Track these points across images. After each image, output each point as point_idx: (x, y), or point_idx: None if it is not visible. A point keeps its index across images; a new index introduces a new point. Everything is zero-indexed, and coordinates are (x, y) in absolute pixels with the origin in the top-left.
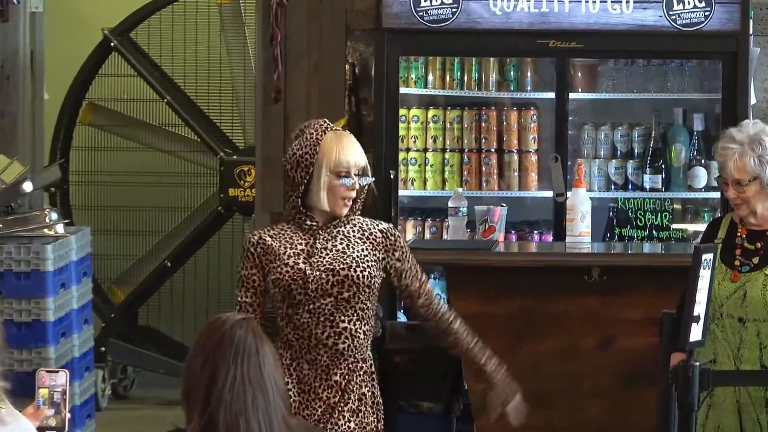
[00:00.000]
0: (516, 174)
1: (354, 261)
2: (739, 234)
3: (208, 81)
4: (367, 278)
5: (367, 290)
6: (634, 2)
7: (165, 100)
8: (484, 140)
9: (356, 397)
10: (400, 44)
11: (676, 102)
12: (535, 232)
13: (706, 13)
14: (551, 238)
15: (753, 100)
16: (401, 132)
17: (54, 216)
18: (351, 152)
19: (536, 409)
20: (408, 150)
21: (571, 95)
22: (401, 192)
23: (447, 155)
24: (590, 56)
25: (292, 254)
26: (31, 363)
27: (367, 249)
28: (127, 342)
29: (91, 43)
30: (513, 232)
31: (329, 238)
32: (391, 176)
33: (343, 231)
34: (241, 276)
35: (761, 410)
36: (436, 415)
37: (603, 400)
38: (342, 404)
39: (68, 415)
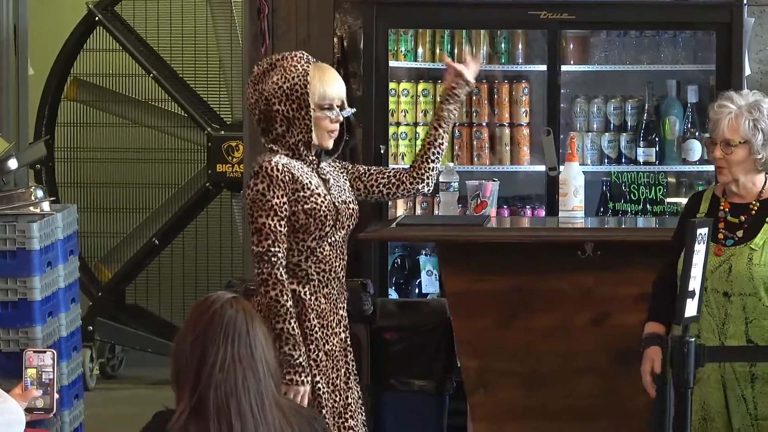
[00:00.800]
0: (508, 148)
1: (351, 194)
2: (722, 208)
3: (195, 55)
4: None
5: (356, 221)
6: None
7: (151, 75)
8: (475, 114)
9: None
10: (389, 17)
11: (670, 74)
12: (528, 207)
13: None
14: (544, 213)
15: (747, 71)
16: (391, 106)
17: (39, 193)
18: (335, 84)
19: (529, 388)
20: (398, 124)
21: (563, 67)
22: (391, 166)
23: None
24: (582, 28)
25: (316, 185)
26: (17, 343)
27: (345, 182)
28: (115, 321)
29: (75, 17)
30: (505, 207)
31: (325, 173)
32: (381, 151)
33: (325, 168)
34: (273, 204)
35: (746, 385)
36: (428, 393)
37: (597, 378)
38: (348, 340)
39: (57, 396)
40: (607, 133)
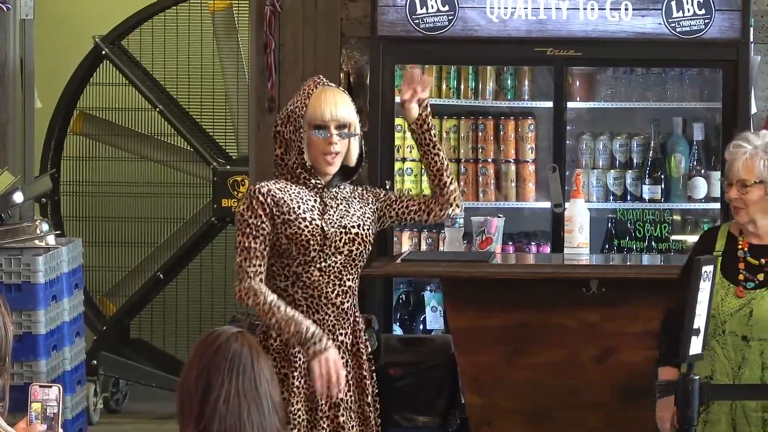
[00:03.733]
0: (513, 184)
1: (360, 219)
2: (740, 247)
3: (201, 90)
4: (370, 236)
5: (369, 248)
6: (633, 9)
7: (157, 110)
8: (480, 150)
9: (364, 358)
10: (396, 52)
11: (676, 111)
12: (533, 243)
13: (706, 21)
14: (549, 249)
15: (753, 110)
16: (397, 142)
17: (45, 227)
18: (330, 104)
19: (534, 424)
20: (404, 160)
21: (569, 104)
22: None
23: None
24: (588, 64)
25: (306, 209)
26: (21, 377)
27: (363, 207)
28: (119, 355)
29: (82, 51)
30: (510, 243)
31: (332, 197)
32: (387, 186)
33: (341, 192)
34: (249, 224)
35: (758, 430)
36: (433, 430)
37: (602, 415)
38: (351, 364)
39: (61, 431)
40: (612, 170)
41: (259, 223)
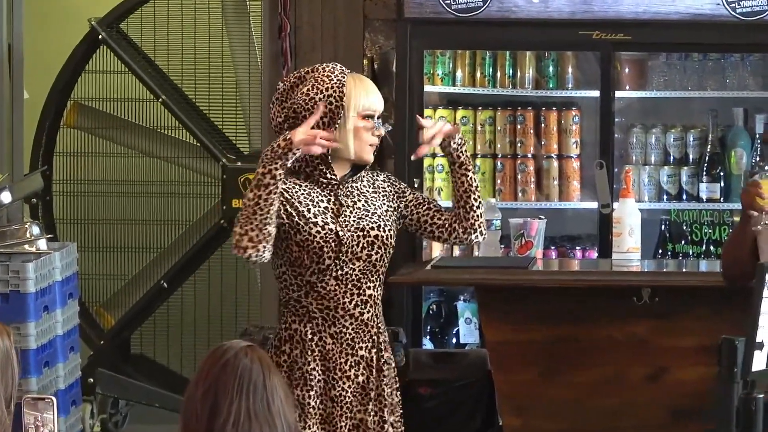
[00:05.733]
0: (555, 182)
1: (380, 219)
2: None
3: (209, 78)
4: (392, 237)
5: (391, 251)
6: None
7: (160, 100)
8: (519, 144)
9: (386, 374)
10: (425, 36)
11: (736, 101)
12: (578, 248)
13: None
14: (595, 254)
15: None
16: None
17: (36, 230)
18: (376, 95)
19: None
20: (434, 156)
21: (618, 93)
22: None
23: (478, 161)
24: (639, 49)
25: (318, 212)
26: None
27: (384, 203)
28: (119, 373)
29: (76, 36)
30: (552, 248)
31: (348, 194)
32: (415, 185)
33: (357, 186)
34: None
35: None
36: None
37: None
38: (375, 382)
39: None
40: (666, 167)
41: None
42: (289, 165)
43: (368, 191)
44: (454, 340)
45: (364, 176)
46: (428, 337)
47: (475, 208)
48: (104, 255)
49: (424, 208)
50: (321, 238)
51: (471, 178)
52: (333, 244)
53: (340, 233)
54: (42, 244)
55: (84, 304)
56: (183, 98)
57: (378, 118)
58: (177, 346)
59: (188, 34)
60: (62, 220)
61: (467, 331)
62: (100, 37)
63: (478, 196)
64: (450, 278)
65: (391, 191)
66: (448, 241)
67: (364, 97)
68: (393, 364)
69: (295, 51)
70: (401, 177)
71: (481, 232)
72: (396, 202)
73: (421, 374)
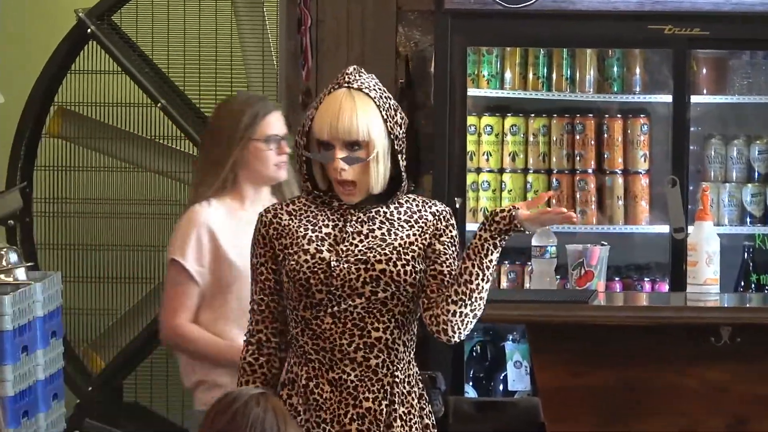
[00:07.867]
0: (621, 202)
1: (395, 252)
2: None
3: (216, 80)
4: (410, 274)
5: (410, 289)
6: None
7: (158, 105)
8: (578, 158)
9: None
10: (468, 31)
11: None
12: (646, 279)
13: None
14: (667, 287)
15: None
16: (470, 147)
17: (13, 257)
18: (332, 114)
19: None
20: (479, 171)
21: (693, 98)
22: (469, 226)
23: (530, 177)
24: (718, 47)
25: (314, 238)
26: None
27: (411, 235)
28: (110, 424)
29: (61, 30)
30: (617, 279)
31: (365, 220)
32: (457, 205)
33: (385, 212)
34: (252, 265)
35: None
36: None
37: None
38: None
39: None
40: (749, 185)
41: (257, 265)
42: None
43: (399, 218)
44: (501, 387)
45: (405, 201)
46: (471, 383)
47: (450, 301)
48: (93, 286)
49: (436, 264)
50: (308, 268)
51: (475, 272)
52: (322, 275)
53: (333, 263)
54: (20, 273)
55: (69, 344)
56: (185, 103)
57: (348, 147)
58: (177, 393)
59: (191, 28)
60: (44, 245)
61: (516, 377)
62: (89, 31)
63: (466, 294)
64: (496, 315)
65: (431, 226)
66: (418, 317)
67: (319, 117)
68: (432, 417)
69: (316, 48)
70: (440, 195)
71: (446, 332)
72: (430, 239)
73: (463, 426)
